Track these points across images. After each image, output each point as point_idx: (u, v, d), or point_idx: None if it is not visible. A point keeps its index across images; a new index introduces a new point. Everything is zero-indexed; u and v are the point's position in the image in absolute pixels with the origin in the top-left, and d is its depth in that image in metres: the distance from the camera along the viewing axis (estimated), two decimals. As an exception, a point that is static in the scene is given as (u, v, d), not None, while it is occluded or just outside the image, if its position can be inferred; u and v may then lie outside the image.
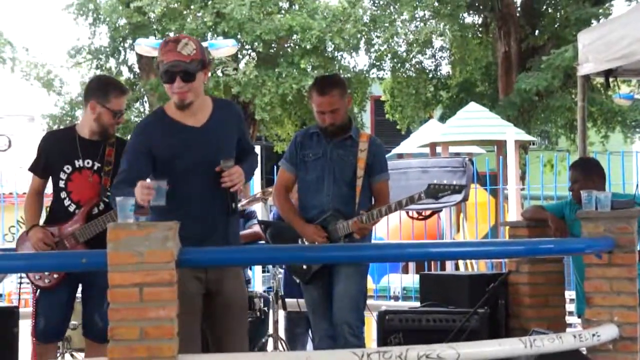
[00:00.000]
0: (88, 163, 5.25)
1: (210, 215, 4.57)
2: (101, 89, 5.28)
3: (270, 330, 6.82)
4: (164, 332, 3.82)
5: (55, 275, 5.19)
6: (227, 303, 4.64)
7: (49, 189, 5.40)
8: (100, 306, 5.19)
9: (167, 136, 4.56)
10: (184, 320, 4.08)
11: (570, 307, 6.87)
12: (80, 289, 5.39)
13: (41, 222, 5.33)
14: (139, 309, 3.81)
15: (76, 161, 5.24)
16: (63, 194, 5.24)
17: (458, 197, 6.86)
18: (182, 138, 4.56)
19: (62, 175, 5.24)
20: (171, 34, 20.72)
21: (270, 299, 6.78)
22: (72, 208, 5.23)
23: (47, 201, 5.38)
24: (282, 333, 7.06)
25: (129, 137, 4.92)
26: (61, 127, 22.84)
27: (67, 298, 5.28)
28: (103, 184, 5.22)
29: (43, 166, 5.30)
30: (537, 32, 20.42)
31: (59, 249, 5.15)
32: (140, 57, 21.46)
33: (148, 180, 4.40)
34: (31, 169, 5.38)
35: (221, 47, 17.11)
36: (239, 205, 6.91)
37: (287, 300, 6.80)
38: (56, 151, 5.28)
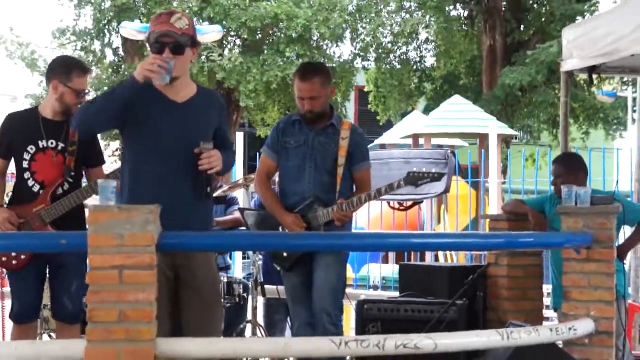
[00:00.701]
0: (52, 143, 5.23)
1: (176, 196, 4.50)
2: (64, 68, 5.26)
3: (249, 317, 6.83)
4: (143, 315, 3.81)
5: (23, 257, 5.17)
6: (198, 289, 4.61)
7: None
8: (68, 288, 5.20)
9: (148, 105, 4.53)
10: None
11: (547, 300, 6.91)
12: (48, 270, 5.36)
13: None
14: (119, 291, 3.80)
15: (40, 142, 5.22)
16: (27, 175, 5.23)
17: (440, 189, 6.89)
18: (162, 110, 4.55)
19: (26, 156, 5.21)
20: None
21: (250, 286, 6.79)
22: (36, 189, 5.21)
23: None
24: (261, 320, 7.08)
25: None
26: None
27: (36, 279, 5.27)
28: (67, 164, 5.22)
29: (6, 147, 5.28)
30: (522, 26, 20.45)
31: (25, 229, 5.13)
32: (125, 41, 21.36)
33: None
34: None
35: (207, 33, 17.01)
36: (221, 191, 6.95)
37: (266, 287, 6.81)
38: (19, 132, 5.26)
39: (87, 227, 3.88)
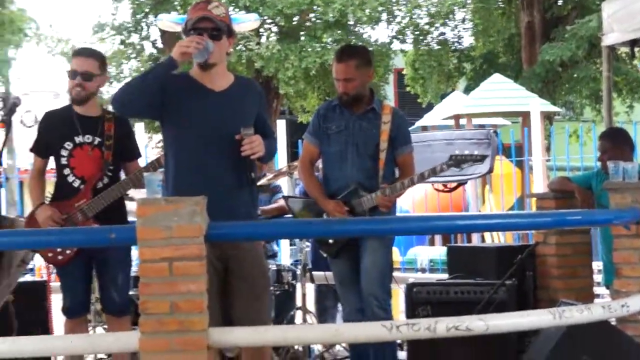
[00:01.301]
0: (88, 138, 5.28)
1: (220, 185, 4.52)
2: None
3: (299, 303, 6.85)
4: (194, 305, 3.84)
5: (68, 252, 5.23)
6: (247, 278, 4.63)
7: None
8: (114, 281, 5.26)
9: (186, 95, 4.56)
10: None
11: (598, 277, 6.85)
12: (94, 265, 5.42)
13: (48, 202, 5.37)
14: (169, 283, 3.83)
15: (76, 137, 5.28)
16: (66, 171, 5.28)
17: (483, 169, 6.85)
18: (201, 99, 4.56)
19: (64, 153, 5.28)
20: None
21: (298, 272, 6.80)
22: (76, 184, 5.27)
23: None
24: (311, 306, 7.09)
25: None
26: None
27: (83, 273, 5.34)
28: (105, 158, 5.26)
29: (44, 146, 5.35)
30: (560, 1, 20.22)
31: (67, 225, 5.19)
32: (162, 33, 21.46)
33: None
34: (32, 150, 5.42)
35: (243, 22, 17.04)
36: (265, 179, 6.96)
37: (315, 273, 6.82)
38: (55, 130, 5.32)
39: (135, 219, 3.91)
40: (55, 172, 5.35)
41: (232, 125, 4.52)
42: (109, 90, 23.62)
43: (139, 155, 5.52)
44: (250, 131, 4.51)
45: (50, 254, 5.27)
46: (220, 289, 4.59)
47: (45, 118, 5.42)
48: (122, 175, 5.43)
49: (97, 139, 5.28)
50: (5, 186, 9.79)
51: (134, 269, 5.93)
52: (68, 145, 5.27)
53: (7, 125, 5.28)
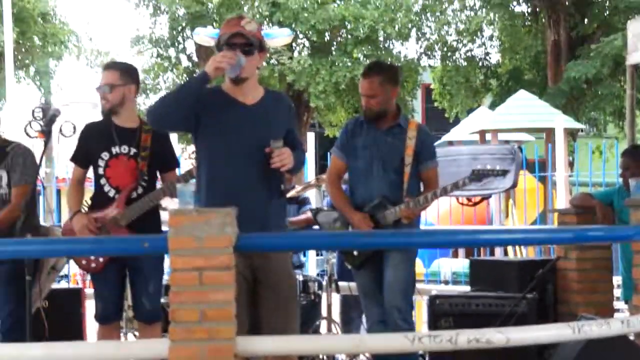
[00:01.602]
0: (124, 149, 5.28)
1: (251, 196, 4.51)
2: None
3: (324, 313, 6.84)
4: (223, 314, 3.84)
5: (101, 260, 5.24)
6: (275, 288, 4.62)
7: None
8: (145, 289, 5.26)
9: (219, 108, 4.55)
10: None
11: (618, 292, 6.80)
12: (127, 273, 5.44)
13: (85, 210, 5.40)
14: (199, 292, 3.82)
15: (112, 148, 5.28)
16: (103, 181, 5.30)
17: (507, 184, 6.83)
18: (233, 113, 4.55)
19: (101, 163, 5.29)
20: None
21: (324, 283, 6.80)
22: (112, 193, 5.28)
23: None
24: (336, 316, 7.08)
25: None
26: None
27: (116, 281, 5.33)
28: (140, 169, 5.26)
29: (83, 155, 5.37)
30: (586, 20, 20.11)
31: (102, 233, 5.21)
32: (198, 47, 21.58)
33: None
34: (72, 159, 5.44)
35: (277, 37, 17.16)
36: (294, 192, 6.98)
37: (340, 284, 6.81)
38: (94, 140, 5.34)
39: (167, 229, 3.92)
40: (93, 182, 5.39)
41: (263, 137, 4.49)
42: (145, 102, 23.84)
43: (177, 165, 5.52)
44: (279, 144, 4.50)
45: (84, 262, 5.31)
46: (249, 298, 4.59)
47: (85, 129, 5.45)
48: (159, 185, 5.45)
49: (133, 150, 5.29)
50: (43, 194, 9.88)
51: (166, 278, 5.97)
52: (105, 155, 5.29)
53: (47, 135, 5.34)
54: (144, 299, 5.27)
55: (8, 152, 5.46)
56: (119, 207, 5.23)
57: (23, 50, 21.22)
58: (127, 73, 5.35)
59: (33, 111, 5.41)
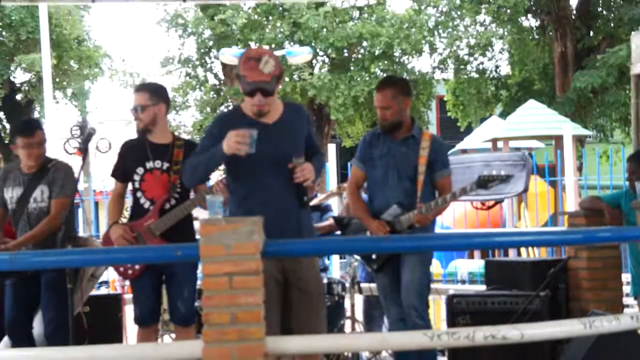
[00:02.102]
0: (158, 164, 5.34)
1: (283, 206, 4.58)
2: None
3: (348, 313, 6.85)
4: (252, 316, 3.86)
5: (137, 267, 5.29)
6: (305, 290, 4.66)
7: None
8: (180, 294, 5.29)
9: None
10: (267, 305, 4.08)
11: (627, 289, 6.77)
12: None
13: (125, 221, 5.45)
14: (230, 296, 3.85)
15: (147, 163, 5.34)
16: (139, 194, 5.36)
17: (519, 188, 6.82)
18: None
19: (136, 177, 5.35)
20: (252, 44, 20.91)
21: (347, 285, 6.81)
22: (147, 205, 5.33)
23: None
24: (359, 315, 7.08)
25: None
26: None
27: (152, 286, 5.38)
28: (172, 182, 5.30)
29: (121, 171, 5.42)
30: (591, 32, 20.01)
31: (138, 243, 5.25)
32: (224, 65, 21.67)
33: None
34: (112, 175, 5.50)
35: (298, 55, 17.21)
36: (317, 200, 7.00)
37: (363, 285, 6.83)
38: (130, 156, 5.40)
39: (198, 238, 3.95)
40: (132, 195, 5.44)
41: (286, 151, 4.57)
42: (175, 119, 23.96)
43: (207, 179, 5.53)
44: (301, 160, 4.56)
45: (122, 269, 5.36)
46: (281, 299, 4.64)
47: (123, 146, 5.51)
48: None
49: (166, 164, 5.33)
50: (82, 207, 9.94)
51: (199, 283, 5.99)
52: (140, 170, 5.34)
53: (84, 151, 5.39)
54: (179, 303, 5.30)
55: (49, 169, 5.53)
56: (153, 218, 5.28)
57: (61, 73, 21.36)
58: (156, 93, 5.39)
59: (71, 129, 5.46)
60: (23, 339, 5.41)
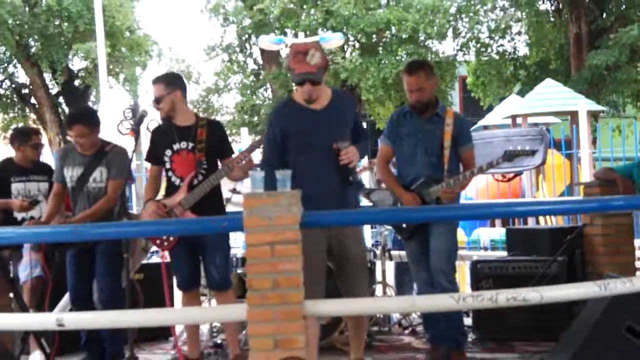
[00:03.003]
0: (183, 145, 5.34)
1: (329, 183, 4.73)
2: None
3: (379, 278, 6.85)
4: (292, 282, 3.87)
5: (171, 239, 5.31)
6: (347, 256, 4.81)
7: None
8: (213, 262, 5.30)
9: (294, 119, 4.81)
10: (312, 270, 4.37)
11: (639, 253, 6.70)
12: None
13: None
14: (271, 263, 3.86)
15: (174, 145, 5.35)
16: (170, 173, 5.38)
17: (537, 161, 6.76)
18: (306, 119, 4.79)
19: (166, 159, 5.37)
20: (288, 31, 20.86)
21: (378, 252, 6.80)
22: (177, 182, 5.34)
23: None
24: (390, 280, 7.09)
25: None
26: (200, 110, 23.29)
27: (188, 255, 5.37)
28: (198, 159, 5.30)
29: (154, 155, 5.44)
30: (604, 14, 19.69)
31: (171, 216, 5.26)
32: (262, 51, 21.66)
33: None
34: (147, 159, 5.54)
35: (331, 40, 17.19)
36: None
37: (394, 252, 6.82)
38: (159, 141, 5.41)
39: (240, 210, 3.96)
40: (165, 175, 5.46)
41: (334, 134, 4.76)
42: (217, 100, 24.02)
43: (232, 153, 5.47)
44: (346, 143, 4.72)
45: (158, 241, 5.38)
46: (325, 265, 4.82)
47: (153, 132, 5.55)
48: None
49: (191, 144, 5.34)
50: (135, 184, 10.01)
51: (242, 252, 6.02)
52: (168, 152, 5.37)
53: (136, 132, 5.42)
54: (212, 270, 5.31)
55: (107, 152, 5.57)
56: (183, 193, 5.29)
57: (114, 60, 21.47)
58: (170, 83, 5.41)
59: (124, 112, 5.48)
60: (85, 304, 5.47)
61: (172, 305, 5.87)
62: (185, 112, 5.44)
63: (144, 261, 6.52)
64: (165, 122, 5.43)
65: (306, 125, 4.78)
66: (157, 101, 5.33)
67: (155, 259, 9.28)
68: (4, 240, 5.07)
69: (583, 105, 12.69)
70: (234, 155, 5.35)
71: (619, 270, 5.44)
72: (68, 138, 5.77)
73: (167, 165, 5.37)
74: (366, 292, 5.04)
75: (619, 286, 4.37)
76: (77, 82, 22.32)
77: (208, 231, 4.98)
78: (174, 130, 5.37)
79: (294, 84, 4.84)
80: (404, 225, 5.39)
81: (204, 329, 6.58)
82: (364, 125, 5.49)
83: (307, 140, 4.76)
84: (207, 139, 5.32)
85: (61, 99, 22.50)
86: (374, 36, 20.96)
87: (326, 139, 4.73)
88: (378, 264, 6.84)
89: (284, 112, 4.88)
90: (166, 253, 5.51)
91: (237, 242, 10.35)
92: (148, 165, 5.75)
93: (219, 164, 5.38)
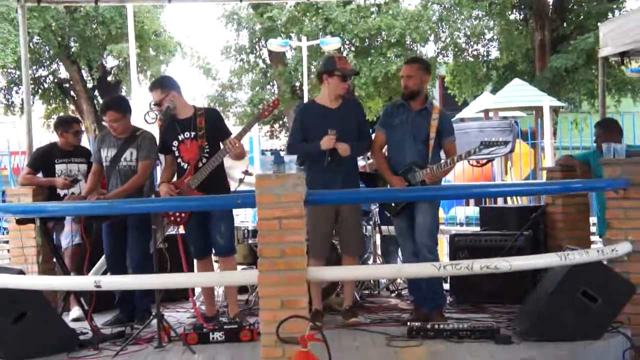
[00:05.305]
0: (187, 135, 5.32)
1: (336, 168, 5.24)
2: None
3: (371, 249, 6.84)
4: (297, 251, 3.88)
5: (183, 214, 5.30)
6: (348, 222, 5.33)
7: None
8: (218, 230, 5.27)
9: (314, 116, 5.37)
10: (320, 237, 5.20)
11: (593, 229, 6.70)
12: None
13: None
14: (279, 234, 3.87)
15: (179, 136, 5.33)
16: (179, 160, 5.37)
17: (507, 150, 6.72)
18: (325, 115, 5.33)
19: (174, 149, 5.36)
20: (292, 35, 20.82)
21: (369, 227, 6.78)
22: (185, 166, 5.34)
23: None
24: (379, 251, 7.07)
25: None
26: (216, 104, 23.21)
27: (198, 227, 5.34)
28: (200, 145, 5.28)
29: (164, 147, 5.42)
30: (565, 23, 19.64)
31: (180, 195, 5.22)
32: (270, 52, 21.57)
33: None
34: (159, 151, 5.50)
35: (329, 44, 17.22)
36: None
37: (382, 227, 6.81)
38: (166, 134, 5.38)
39: (251, 189, 3.95)
40: (176, 162, 5.43)
41: (344, 130, 5.25)
42: (232, 96, 23.96)
43: (230, 134, 5.39)
44: (332, 132, 5.18)
45: (172, 217, 5.37)
46: (332, 231, 5.41)
47: (161, 129, 5.48)
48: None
49: (192, 133, 5.31)
50: (160, 165, 9.97)
51: (253, 225, 5.99)
52: (175, 143, 5.35)
53: (162, 122, 5.38)
54: (218, 237, 5.29)
55: (137, 136, 5.54)
56: (189, 175, 5.27)
57: (142, 59, 21.42)
58: (164, 86, 5.37)
59: (150, 104, 5.42)
60: (118, 268, 5.47)
61: (189, 271, 5.88)
62: (184, 106, 5.41)
63: (168, 232, 6.50)
64: (169, 117, 5.35)
65: (324, 119, 5.25)
66: (158, 105, 5.33)
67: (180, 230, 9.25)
68: (52, 212, 5.07)
69: (546, 101, 12.68)
70: (232, 136, 5.32)
71: (577, 243, 5.42)
72: (103, 123, 5.74)
73: (176, 154, 5.37)
74: (359, 246, 5.50)
75: (576, 257, 4.39)
76: (110, 78, 22.27)
77: (225, 207, 4.98)
78: (177, 124, 5.34)
79: (340, 79, 5.31)
80: (393, 204, 5.38)
81: (220, 291, 6.58)
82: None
83: (324, 131, 5.21)
84: (207, 125, 5.30)
85: (96, 92, 22.48)
86: (367, 40, 20.90)
87: (337, 130, 5.20)
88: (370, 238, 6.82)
89: (307, 110, 5.52)
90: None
91: (247, 217, 10.33)
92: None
93: (221, 145, 5.34)
